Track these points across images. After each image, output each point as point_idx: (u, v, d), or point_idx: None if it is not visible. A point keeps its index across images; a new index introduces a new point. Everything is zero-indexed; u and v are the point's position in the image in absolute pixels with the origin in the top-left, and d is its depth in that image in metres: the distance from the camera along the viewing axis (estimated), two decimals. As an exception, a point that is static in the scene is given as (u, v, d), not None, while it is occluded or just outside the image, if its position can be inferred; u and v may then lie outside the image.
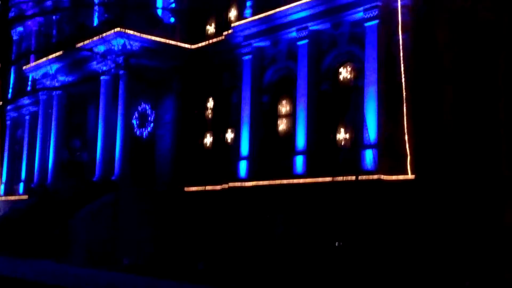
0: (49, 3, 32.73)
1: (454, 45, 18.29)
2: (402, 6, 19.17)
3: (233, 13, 26.34)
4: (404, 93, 18.88)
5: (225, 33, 25.21)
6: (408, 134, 18.53)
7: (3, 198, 37.80)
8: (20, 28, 38.69)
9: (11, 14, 31.92)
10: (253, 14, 23.83)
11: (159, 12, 28.45)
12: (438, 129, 18.18)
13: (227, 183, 24.21)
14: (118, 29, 26.15)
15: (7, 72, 38.93)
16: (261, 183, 22.85)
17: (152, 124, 29.24)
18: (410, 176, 18.24)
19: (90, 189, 27.91)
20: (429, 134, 18.33)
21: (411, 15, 19.08)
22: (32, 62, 34.81)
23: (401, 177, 18.44)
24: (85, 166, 31.70)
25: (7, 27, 33.03)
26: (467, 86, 18.10)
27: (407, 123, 18.64)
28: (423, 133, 18.39)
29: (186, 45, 27.91)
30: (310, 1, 21.28)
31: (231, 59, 25.25)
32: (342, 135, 21.12)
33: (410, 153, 18.35)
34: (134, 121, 29.72)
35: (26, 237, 27.77)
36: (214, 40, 26.90)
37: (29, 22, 36.95)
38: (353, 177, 19.19)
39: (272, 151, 23.55)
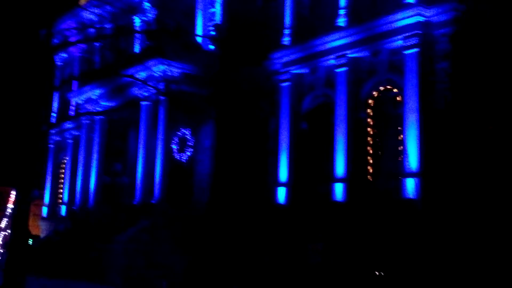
0: (92, 30, 33.65)
1: (493, 73, 18.09)
2: (442, 35, 19.13)
3: (271, 41, 26.59)
4: (444, 121, 18.73)
5: (263, 60, 25.48)
6: (450, 163, 18.31)
7: (46, 219, 38.68)
8: (64, 54, 39.86)
9: (55, 41, 33.03)
10: (291, 42, 24.09)
11: (199, 39, 28.93)
12: (480, 158, 17.94)
13: (264, 209, 24.27)
14: (159, 56, 26.71)
15: (51, 97, 40.28)
16: (299, 209, 22.85)
17: (191, 149, 29.62)
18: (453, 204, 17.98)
19: (130, 212, 28.37)
20: (471, 163, 18.09)
21: (451, 43, 18.98)
22: (75, 88, 35.81)
23: (443, 206, 18.20)
24: (126, 189, 32.23)
25: (51, 53, 34.17)
26: (509, 114, 17.84)
27: (448, 151, 18.45)
28: (465, 162, 18.15)
29: (225, 71, 28.28)
30: (349, 29, 21.40)
31: (269, 86, 25.47)
32: (382, 162, 21.00)
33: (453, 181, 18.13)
34: (173, 146, 30.17)
35: (66, 259, 28.33)
36: (252, 66, 27.19)
37: (73, 49, 38.05)
38: (394, 206, 19.03)
39: (310, 178, 23.54)
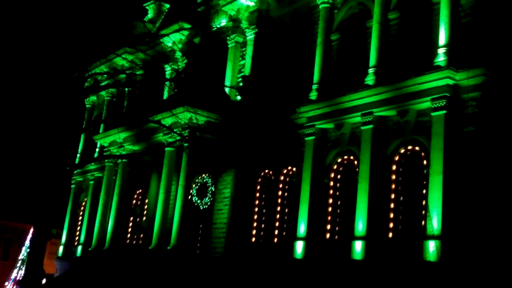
0: (123, 75, 34.49)
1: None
2: (470, 99, 19.15)
3: (298, 95, 26.94)
4: (469, 185, 18.53)
5: (289, 114, 25.71)
6: (473, 228, 17.99)
7: (61, 259, 38.60)
8: (94, 97, 40.78)
9: (87, 84, 33.85)
10: (318, 97, 24.31)
11: (227, 90, 29.41)
12: (504, 226, 17.60)
13: (282, 263, 23.92)
14: (187, 104, 27.16)
15: (78, 139, 40.96)
16: (316, 265, 22.48)
17: (211, 196, 29.62)
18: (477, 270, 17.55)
19: (144, 257, 28.21)
20: (494, 231, 17.75)
21: (479, 108, 18.99)
22: (101, 130, 36.41)
23: (464, 271, 17.77)
24: (143, 233, 32.16)
25: (82, 96, 35.00)
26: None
27: (472, 216, 18.16)
28: (489, 229, 17.82)
29: (250, 123, 28.58)
30: (377, 87, 21.57)
31: (293, 139, 25.58)
32: (403, 223, 20.71)
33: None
34: (193, 193, 30.22)
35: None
36: (277, 118, 27.48)
37: (102, 92, 38.94)
38: (414, 267, 18.63)
39: (330, 234, 23.27)
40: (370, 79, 22.23)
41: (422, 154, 20.56)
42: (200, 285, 26.15)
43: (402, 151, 21.34)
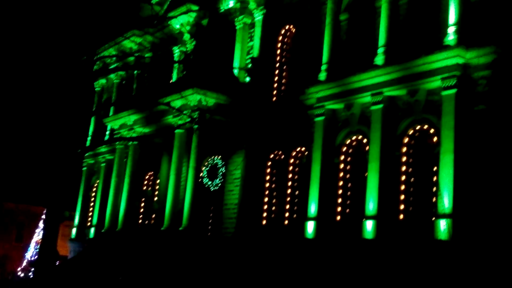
0: (131, 58, 34.54)
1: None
2: (480, 77, 19.09)
3: (307, 76, 26.93)
4: (480, 163, 18.57)
5: (298, 94, 25.73)
6: (485, 206, 18.07)
7: (74, 241, 39.12)
8: (103, 81, 40.89)
9: (96, 67, 33.92)
10: (327, 77, 24.28)
11: (236, 71, 29.41)
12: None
13: (293, 243, 24.14)
14: (196, 86, 27.22)
15: (88, 121, 41.20)
16: (327, 244, 22.69)
17: (221, 178, 29.82)
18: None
19: (156, 238, 28.54)
20: (506, 208, 17.81)
21: (490, 86, 18.93)
22: (111, 113, 36.59)
23: (476, 248, 17.89)
24: (155, 214, 32.51)
25: (91, 79, 35.09)
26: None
27: (483, 194, 18.24)
28: (501, 206, 17.89)
29: (259, 104, 28.65)
30: (386, 67, 21.51)
31: (303, 120, 25.63)
32: (414, 202, 20.81)
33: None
34: (204, 174, 30.43)
35: (92, 281, 28.49)
36: (287, 99, 27.51)
37: (112, 75, 39.03)
38: (425, 246, 18.77)
39: (340, 214, 23.44)
40: (379, 59, 22.16)
41: (433, 132, 20.58)
42: (212, 265, 26.47)
43: (412, 130, 21.38)
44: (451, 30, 19.95)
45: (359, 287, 20.52)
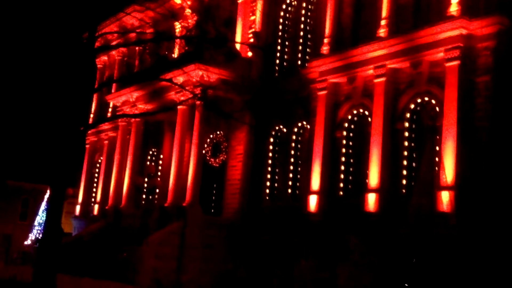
0: (133, 34, 34.29)
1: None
2: (484, 48, 18.92)
3: (308, 49, 26.75)
4: (483, 134, 18.50)
5: (301, 68, 25.58)
6: (487, 177, 18.04)
7: (79, 218, 39.34)
8: (104, 57, 40.69)
9: (97, 44, 33.68)
10: (330, 51, 24.11)
11: (238, 46, 29.19)
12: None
13: (295, 217, 24.22)
14: (198, 61, 27.06)
15: (90, 98, 41.11)
16: (329, 218, 22.76)
17: (224, 154, 29.82)
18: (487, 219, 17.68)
19: (161, 214, 28.64)
20: (506, 179, 17.79)
21: (493, 57, 18.76)
22: (113, 90, 36.49)
23: (478, 220, 17.91)
24: (158, 190, 32.61)
25: (93, 56, 34.90)
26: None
27: (486, 165, 18.19)
28: (503, 177, 17.86)
29: (261, 79, 28.52)
30: (389, 39, 21.33)
31: (305, 94, 25.52)
32: (417, 174, 20.78)
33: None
34: (207, 150, 30.40)
35: (96, 258, 28.72)
36: (289, 74, 27.36)
37: (113, 52, 38.85)
38: (427, 218, 18.79)
39: (343, 187, 23.45)
40: (382, 31, 21.97)
41: (436, 105, 20.45)
42: (217, 240, 26.64)
43: (416, 103, 21.26)
44: (454, 0, 19.72)
45: (363, 261, 20.61)
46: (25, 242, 46.75)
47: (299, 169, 26.29)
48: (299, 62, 27.32)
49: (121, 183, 33.06)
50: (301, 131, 26.68)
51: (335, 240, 21.92)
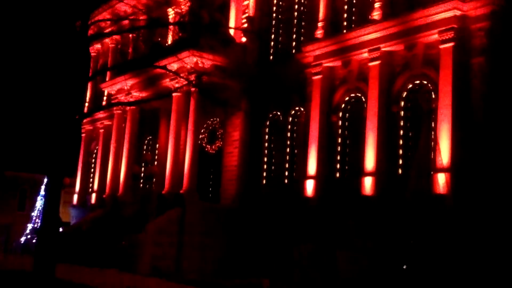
0: (126, 22, 34.06)
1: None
2: (478, 29, 18.88)
3: (303, 33, 26.62)
4: (478, 116, 18.53)
5: (295, 53, 25.49)
6: (483, 159, 18.10)
7: (76, 207, 39.37)
8: (98, 45, 40.45)
9: (91, 32, 33.45)
10: (324, 35, 24.01)
11: (232, 32, 29.04)
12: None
13: (292, 202, 24.31)
14: (192, 48, 26.92)
15: (85, 87, 40.90)
16: (327, 202, 22.84)
17: (220, 140, 29.80)
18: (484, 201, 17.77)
19: (159, 202, 28.69)
20: (505, 160, 17.84)
21: (488, 38, 18.72)
22: (108, 78, 36.33)
23: (474, 202, 18.01)
24: (155, 178, 32.63)
25: (87, 44, 34.67)
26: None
27: (482, 147, 18.24)
28: (499, 158, 17.92)
29: (256, 64, 28.41)
30: (383, 22, 21.25)
31: (301, 79, 25.47)
32: (413, 157, 20.81)
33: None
34: (203, 137, 30.37)
35: (95, 247, 28.81)
36: (284, 59, 27.26)
37: (107, 40, 38.61)
38: (424, 201, 18.87)
39: (339, 171, 23.51)
40: (376, 14, 21.89)
41: (431, 87, 20.45)
42: (215, 226, 26.75)
43: (411, 85, 21.25)
44: (448, -19, 19.63)
45: (361, 244, 20.74)
46: (24, 232, 46.81)
47: (296, 153, 26.32)
48: (294, 47, 27.20)
49: (118, 171, 33.07)
50: (297, 116, 26.67)
51: (333, 224, 22.05)
